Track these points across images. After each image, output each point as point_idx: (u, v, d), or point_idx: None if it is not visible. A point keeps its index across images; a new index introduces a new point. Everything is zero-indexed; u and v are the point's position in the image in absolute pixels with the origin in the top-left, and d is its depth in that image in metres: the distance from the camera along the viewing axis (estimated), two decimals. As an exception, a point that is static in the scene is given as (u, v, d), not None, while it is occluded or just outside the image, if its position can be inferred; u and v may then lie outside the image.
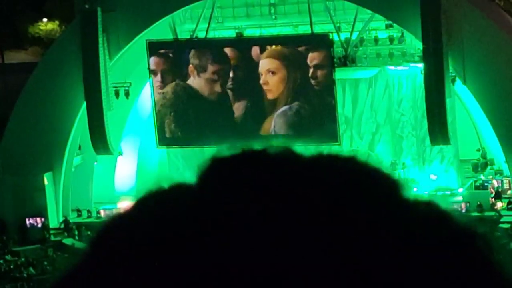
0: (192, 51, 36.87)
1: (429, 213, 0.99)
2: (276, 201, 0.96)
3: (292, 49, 35.85)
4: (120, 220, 1.01)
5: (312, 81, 36.09)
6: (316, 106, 36.23)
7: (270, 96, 36.75)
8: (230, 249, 0.93)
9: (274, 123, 36.82)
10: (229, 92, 37.09)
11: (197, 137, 37.41)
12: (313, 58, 35.78)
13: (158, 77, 37.46)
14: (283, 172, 0.99)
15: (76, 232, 35.26)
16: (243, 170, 1.00)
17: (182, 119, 37.68)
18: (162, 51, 37.08)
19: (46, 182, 36.56)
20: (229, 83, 36.96)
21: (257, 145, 1.05)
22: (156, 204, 0.99)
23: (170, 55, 37.10)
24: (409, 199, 1.00)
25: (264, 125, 37.05)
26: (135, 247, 0.95)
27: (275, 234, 0.93)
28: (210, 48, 36.97)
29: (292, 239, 0.93)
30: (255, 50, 36.22)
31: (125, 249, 0.96)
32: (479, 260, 0.98)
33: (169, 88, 37.53)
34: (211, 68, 36.81)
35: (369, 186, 0.99)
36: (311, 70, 35.89)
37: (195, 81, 37.23)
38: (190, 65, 36.84)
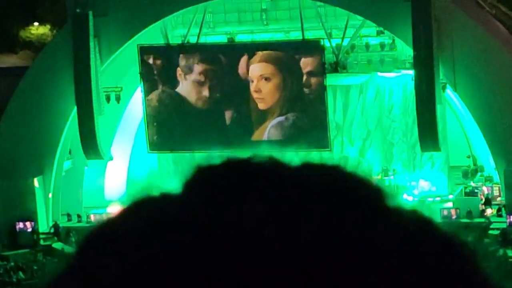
0: (181, 55, 36.86)
1: (413, 221, 0.99)
2: (260, 209, 0.96)
3: (286, 53, 35.83)
4: (106, 227, 1.02)
5: (305, 88, 36.10)
6: (307, 112, 36.24)
7: (262, 106, 36.50)
8: (213, 257, 0.93)
9: (268, 133, 36.65)
10: (218, 97, 37.06)
11: (187, 143, 37.40)
12: (306, 64, 35.80)
13: (148, 83, 37.44)
14: (266, 180, 1.00)
15: (74, 240, 35.02)
16: (227, 178, 1.00)
17: (171, 125, 37.65)
18: (151, 58, 37.00)
19: (36, 185, 36.47)
20: (217, 88, 36.92)
21: (245, 153, 1.06)
22: (141, 212, 1.01)
23: (159, 61, 37.05)
24: (393, 207, 1.01)
25: (255, 133, 36.99)
26: (121, 253, 0.96)
27: (258, 242, 0.94)
28: (200, 52, 36.97)
29: (274, 247, 0.94)
30: (245, 57, 36.04)
31: (111, 255, 0.97)
32: (464, 268, 0.97)
33: (154, 96, 37.49)
34: (198, 68, 36.68)
35: (352, 194, 0.99)
36: (304, 77, 35.90)
37: (183, 86, 37.19)
38: (178, 68, 36.81)
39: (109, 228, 1.01)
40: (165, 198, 1.02)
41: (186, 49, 37.39)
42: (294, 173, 1.02)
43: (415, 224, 0.99)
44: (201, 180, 1.02)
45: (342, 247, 0.94)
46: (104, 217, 1.04)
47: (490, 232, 32.39)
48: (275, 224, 0.95)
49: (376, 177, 35.40)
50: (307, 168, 1.03)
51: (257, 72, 36.22)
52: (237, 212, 0.96)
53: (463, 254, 0.98)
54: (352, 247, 0.94)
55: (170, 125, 37.58)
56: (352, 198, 0.99)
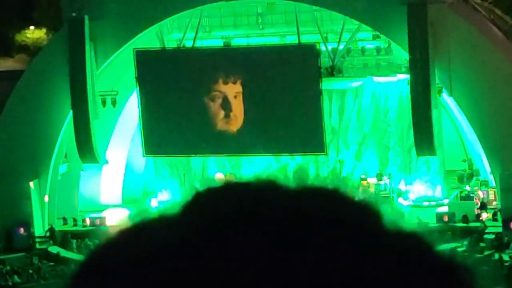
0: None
1: (413, 246, 1.00)
2: (258, 233, 0.96)
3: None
4: (105, 252, 1.02)
5: (301, 92, 36.09)
6: (303, 116, 36.24)
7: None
8: (209, 280, 0.94)
9: (264, 137, 36.67)
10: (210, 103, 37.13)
11: (183, 147, 37.40)
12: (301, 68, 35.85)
13: (144, 87, 37.42)
14: (265, 206, 1.00)
15: (75, 246, 34.89)
16: (226, 202, 1.01)
17: (166, 129, 37.62)
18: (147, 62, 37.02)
19: (32, 187, 36.42)
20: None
21: (245, 172, 1.06)
22: (139, 235, 1.01)
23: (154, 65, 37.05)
24: (393, 232, 1.01)
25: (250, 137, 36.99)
26: (120, 279, 0.97)
27: (255, 266, 0.94)
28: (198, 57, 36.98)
29: (272, 272, 0.94)
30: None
31: (111, 281, 0.98)
32: None
33: (149, 99, 37.48)
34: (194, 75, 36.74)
35: (351, 222, 0.99)
36: (300, 81, 35.90)
37: (180, 91, 37.21)
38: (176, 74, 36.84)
39: (109, 253, 1.01)
40: (163, 222, 1.02)
41: (182, 53, 37.39)
42: (293, 200, 1.01)
43: (415, 249, 0.99)
44: (198, 205, 1.03)
45: (342, 277, 0.94)
46: (99, 241, 1.04)
47: (486, 236, 32.38)
48: (272, 257, 0.95)
49: (372, 186, 35.42)
50: (306, 194, 1.03)
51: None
52: (234, 243, 0.96)
53: (462, 280, 0.99)
54: (352, 277, 0.94)
55: (165, 129, 37.55)
56: (351, 226, 0.98)
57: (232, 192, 1.03)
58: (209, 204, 1.01)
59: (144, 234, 1.01)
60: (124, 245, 1.00)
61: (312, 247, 0.95)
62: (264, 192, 1.02)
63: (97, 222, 35.91)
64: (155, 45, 37.57)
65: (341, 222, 0.99)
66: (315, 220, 0.98)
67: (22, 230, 35.79)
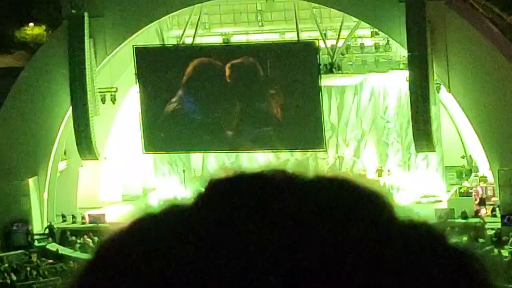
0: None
1: (424, 235, 1.01)
2: (273, 225, 0.97)
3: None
4: (117, 242, 1.02)
5: (300, 89, 36.10)
6: (302, 113, 36.26)
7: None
8: (223, 273, 0.95)
9: (263, 134, 36.62)
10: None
11: (183, 143, 37.40)
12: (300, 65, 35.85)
13: (143, 83, 37.43)
14: (280, 196, 1.00)
15: (74, 243, 34.79)
16: (239, 194, 1.01)
17: (166, 125, 37.63)
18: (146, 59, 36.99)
19: (31, 185, 36.40)
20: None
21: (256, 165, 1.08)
22: (152, 226, 1.01)
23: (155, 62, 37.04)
24: (405, 222, 1.02)
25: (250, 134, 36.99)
26: (132, 270, 0.98)
27: (271, 258, 0.95)
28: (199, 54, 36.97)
29: (287, 263, 0.95)
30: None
31: (123, 272, 0.98)
32: (475, 283, 1.00)
33: (149, 96, 37.47)
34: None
35: (364, 212, 1.00)
36: (299, 78, 35.91)
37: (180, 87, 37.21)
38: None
39: (121, 244, 1.01)
40: (177, 213, 1.02)
41: (182, 50, 37.40)
42: (306, 190, 1.02)
43: (426, 239, 1.01)
44: (214, 194, 1.03)
45: (354, 266, 0.95)
46: (114, 227, 1.04)
47: (485, 232, 32.41)
48: (284, 244, 0.95)
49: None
50: (320, 184, 1.03)
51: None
52: (248, 232, 0.96)
53: (474, 269, 1.00)
54: (365, 266, 0.95)
55: (165, 126, 37.55)
56: (364, 215, 1.00)
57: (246, 183, 1.03)
58: (224, 195, 1.01)
59: (158, 225, 1.00)
60: (138, 236, 1.01)
61: (327, 238, 0.96)
62: (278, 182, 1.02)
63: (96, 219, 35.91)
64: (155, 42, 37.57)
65: (355, 212, 0.99)
66: (330, 210, 0.98)
67: (20, 227, 35.72)
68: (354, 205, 1.00)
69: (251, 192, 1.01)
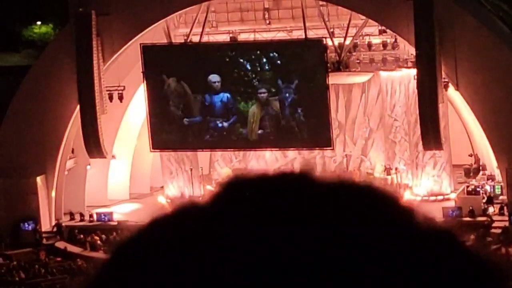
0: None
1: (445, 243, 1.00)
2: (293, 228, 0.96)
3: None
4: (135, 241, 1.02)
5: (308, 87, 36.09)
6: (309, 111, 36.24)
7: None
8: (249, 274, 0.94)
9: (270, 132, 36.59)
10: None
11: (190, 142, 37.42)
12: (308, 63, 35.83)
13: (151, 82, 37.47)
14: (301, 200, 1.00)
15: (82, 241, 34.77)
16: (261, 196, 1.00)
17: (174, 124, 37.67)
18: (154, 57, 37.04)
19: (39, 183, 36.48)
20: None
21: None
22: (171, 226, 1.01)
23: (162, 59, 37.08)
24: (426, 227, 1.01)
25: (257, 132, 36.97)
26: (151, 268, 0.97)
27: (291, 261, 0.94)
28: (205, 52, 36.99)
29: (307, 267, 0.94)
30: None
31: (144, 271, 0.97)
32: None
33: (156, 94, 37.50)
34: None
35: (386, 218, 1.00)
36: (307, 76, 35.90)
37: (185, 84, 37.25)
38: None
39: (140, 244, 1.01)
40: (195, 213, 1.02)
41: (189, 48, 37.41)
42: (327, 195, 1.01)
43: (447, 247, 1.00)
44: (234, 195, 1.02)
45: (376, 271, 0.94)
46: (132, 226, 1.03)
47: (492, 230, 32.37)
48: (304, 247, 0.95)
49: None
50: (340, 187, 1.02)
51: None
52: (273, 234, 0.95)
53: (495, 277, 1.00)
54: (387, 272, 0.95)
55: (172, 124, 37.58)
56: (386, 221, 0.99)
57: (270, 185, 1.02)
58: (247, 197, 1.01)
59: (177, 225, 1.00)
60: (158, 236, 1.00)
61: (350, 245, 0.95)
62: (299, 186, 1.02)
63: (104, 217, 36.00)
64: (162, 40, 37.59)
65: (377, 218, 0.99)
66: (353, 216, 0.98)
67: (29, 225, 35.84)
68: (375, 212, 1.00)
69: (274, 194, 1.00)
